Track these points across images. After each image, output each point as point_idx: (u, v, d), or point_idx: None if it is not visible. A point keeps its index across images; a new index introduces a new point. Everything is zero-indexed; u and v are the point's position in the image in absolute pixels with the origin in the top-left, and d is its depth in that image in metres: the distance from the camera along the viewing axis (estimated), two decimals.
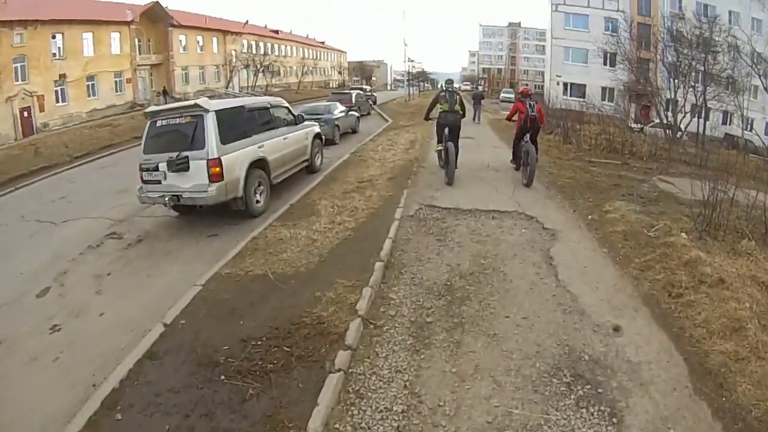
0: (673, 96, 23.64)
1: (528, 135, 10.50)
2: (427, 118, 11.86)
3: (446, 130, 10.48)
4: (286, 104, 11.57)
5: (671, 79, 23.13)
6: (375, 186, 10.62)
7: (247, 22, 63.81)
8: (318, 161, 13.15)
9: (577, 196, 9.45)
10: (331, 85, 75.54)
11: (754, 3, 32.42)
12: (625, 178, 11.35)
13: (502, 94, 60.52)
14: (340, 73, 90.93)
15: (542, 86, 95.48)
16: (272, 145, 10.11)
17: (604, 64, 40.80)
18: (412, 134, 18.85)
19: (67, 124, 33.37)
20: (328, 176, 12.22)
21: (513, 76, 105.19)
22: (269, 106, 10.68)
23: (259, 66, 51.20)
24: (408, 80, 53.42)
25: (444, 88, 10.94)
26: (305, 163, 12.24)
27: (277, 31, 71.65)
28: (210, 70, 51.92)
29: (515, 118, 11.01)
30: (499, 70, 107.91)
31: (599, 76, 40.58)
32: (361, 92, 33.56)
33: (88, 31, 37.04)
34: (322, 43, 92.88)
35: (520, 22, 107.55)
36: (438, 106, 10.57)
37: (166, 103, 36.86)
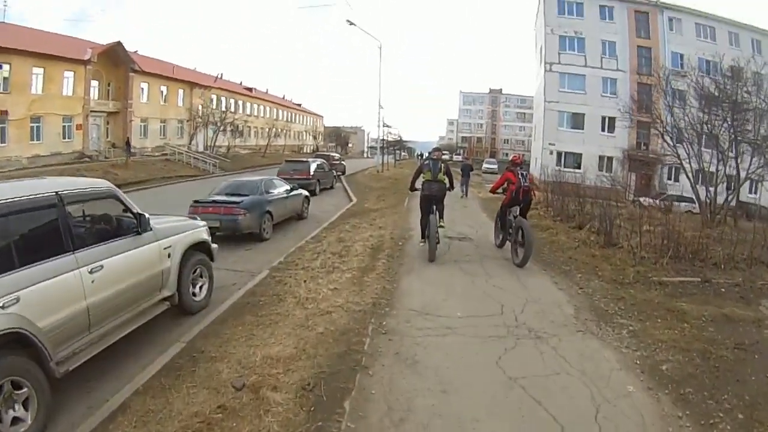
0: (698, 164, 19.90)
1: (518, 208, 9.71)
2: (412, 189, 10.82)
3: (430, 202, 9.70)
4: (115, 192, 6.00)
5: (717, 150, 19.17)
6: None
7: (221, 75, 61.34)
8: (201, 298, 7.28)
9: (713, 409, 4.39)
10: (305, 150, 72.83)
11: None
12: (736, 321, 6.49)
13: (485, 165, 57.97)
14: (315, 137, 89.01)
15: (523, 155, 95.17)
16: (44, 295, 4.49)
17: (602, 130, 38.76)
18: (378, 229, 12.91)
19: (2, 168, 29.09)
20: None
21: (494, 144, 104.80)
22: (57, 203, 4.90)
23: (219, 124, 47.56)
24: (382, 147, 47.36)
25: (428, 156, 10.71)
26: (161, 306, 6.41)
27: (250, 89, 69.15)
28: (172, 124, 48.21)
29: (502, 189, 10.23)
30: (479, 139, 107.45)
31: (596, 143, 38.50)
32: (325, 161, 29.47)
33: (40, 65, 33.34)
34: (299, 105, 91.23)
35: (501, 89, 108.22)
36: (422, 175, 9.89)
37: (128, 158, 34.43)
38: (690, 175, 20.21)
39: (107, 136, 40.80)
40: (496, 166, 48.94)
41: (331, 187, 26.72)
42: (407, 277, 8.38)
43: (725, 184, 19.12)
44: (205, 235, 7.55)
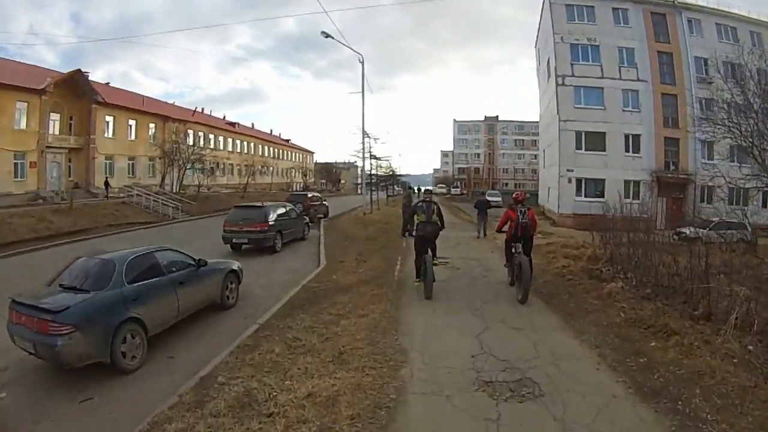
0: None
1: (519, 245, 10.03)
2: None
3: (424, 242, 10.31)
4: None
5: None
6: None
7: (201, 109, 58.15)
8: None
9: None
10: (294, 188, 68.37)
11: None
12: None
13: (480, 197, 52.69)
14: (305, 174, 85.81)
15: (526, 193, 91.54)
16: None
17: (626, 150, 34.17)
18: (336, 360, 6.61)
19: None
20: None
21: (492, 174, 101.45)
22: None
23: (186, 161, 42.68)
24: (369, 183, 41.19)
25: (421, 199, 11.03)
26: None
27: (233, 124, 65.81)
28: (142, 162, 44.11)
29: (506, 228, 10.39)
30: (477, 169, 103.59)
31: (620, 166, 33.69)
32: (294, 206, 24.54)
33: None
34: (287, 141, 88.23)
35: (497, 116, 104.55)
36: (416, 216, 10.43)
37: (107, 197, 33.36)
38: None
39: (69, 175, 37.18)
40: (499, 199, 44.44)
41: (302, 238, 21.23)
42: None
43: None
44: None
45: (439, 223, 10.38)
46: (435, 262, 10.36)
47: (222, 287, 10.27)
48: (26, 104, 32.62)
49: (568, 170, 34.51)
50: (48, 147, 34.45)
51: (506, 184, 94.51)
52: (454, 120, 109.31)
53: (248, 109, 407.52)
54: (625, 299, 8.97)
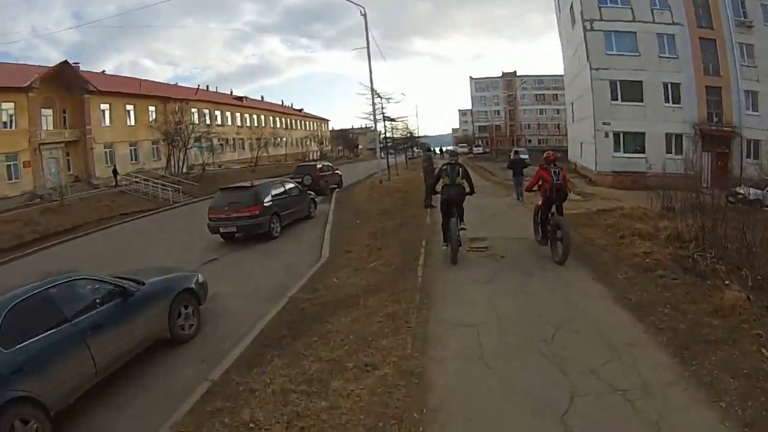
0: None
1: (554, 206, 9.44)
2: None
3: (450, 206, 9.68)
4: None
5: None
6: None
7: (206, 87, 55.55)
8: None
9: None
10: (310, 157, 66.55)
11: None
12: None
13: (513, 156, 48.63)
14: (320, 142, 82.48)
15: (544, 142, 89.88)
16: None
17: (666, 101, 30.32)
18: None
19: None
20: None
21: (513, 131, 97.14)
22: None
23: (186, 140, 40.40)
24: (384, 147, 36.58)
25: (446, 161, 10.29)
26: None
27: (241, 98, 62.78)
28: (145, 146, 42.00)
29: (536, 186, 9.79)
30: (498, 127, 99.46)
31: (661, 118, 29.91)
32: (305, 178, 23.19)
33: None
34: (300, 111, 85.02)
35: (515, 71, 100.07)
36: (441, 180, 9.84)
37: (116, 185, 32.61)
38: None
39: (69, 169, 35.79)
40: (527, 156, 41.26)
41: (308, 217, 18.06)
42: None
43: None
44: None
45: (465, 185, 9.74)
46: (462, 227, 9.88)
47: (170, 317, 7.28)
48: (12, 104, 31.19)
49: (604, 123, 31.00)
50: (42, 144, 33.00)
51: (529, 141, 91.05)
52: (471, 78, 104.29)
53: (261, 84, 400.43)
54: (757, 320, 5.74)
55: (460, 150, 70.58)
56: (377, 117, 31.32)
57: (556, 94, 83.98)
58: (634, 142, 30.58)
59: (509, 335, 5.93)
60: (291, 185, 17.47)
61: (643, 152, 29.42)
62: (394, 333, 6.18)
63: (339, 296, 8.25)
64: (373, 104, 29.55)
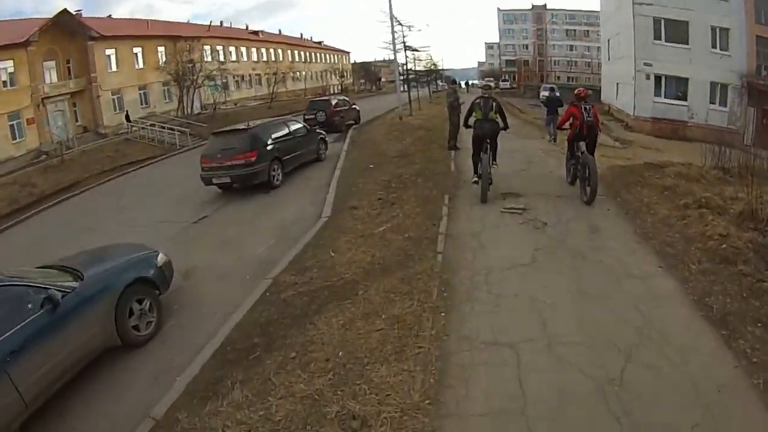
0: None
1: (584, 144, 8.98)
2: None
3: (482, 142, 9.35)
4: None
5: None
6: None
7: (220, 23, 53.30)
8: None
9: None
10: (332, 91, 63.31)
11: None
12: None
13: (542, 93, 44.43)
14: (341, 75, 78.84)
15: (574, 79, 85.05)
16: None
17: (713, 46, 26.86)
18: None
19: None
20: None
21: (542, 67, 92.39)
22: None
23: (195, 78, 38.13)
24: (405, 79, 33.56)
25: (479, 96, 9.79)
26: None
27: (257, 32, 59.93)
28: (156, 89, 39.88)
29: (568, 124, 9.42)
30: (526, 62, 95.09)
31: (706, 63, 26.60)
32: (318, 114, 22.17)
33: None
34: (319, 43, 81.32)
35: (545, 4, 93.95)
36: (473, 114, 9.49)
37: (129, 131, 31.19)
38: None
39: (77, 120, 34.33)
40: (559, 93, 38.50)
41: (317, 159, 15.99)
42: None
43: None
44: None
45: (498, 120, 9.49)
46: (494, 164, 9.46)
47: (119, 318, 5.64)
48: (11, 61, 29.61)
49: (645, 64, 28.10)
50: (46, 98, 31.54)
51: (558, 77, 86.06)
52: (499, 9, 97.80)
53: (280, 19, 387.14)
54: None
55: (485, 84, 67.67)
56: (398, 47, 28.38)
57: (588, 31, 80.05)
58: (676, 87, 27.69)
59: (564, 370, 4.09)
60: (297, 125, 15.33)
61: (686, 100, 26.85)
62: (398, 355, 4.36)
63: (333, 281, 6.37)
64: (393, 32, 26.56)
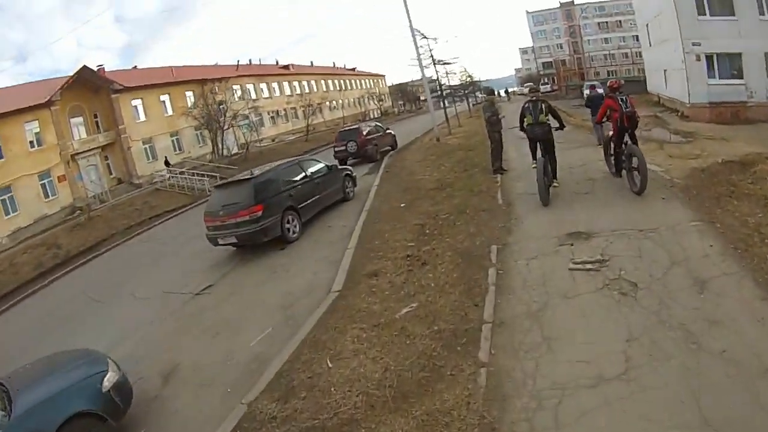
0: None
1: (626, 135, 8.90)
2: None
3: (537, 145, 9.50)
4: None
5: None
6: None
7: (249, 61, 53.44)
8: None
9: None
10: (371, 116, 64.02)
11: None
12: None
13: (586, 91, 42.12)
14: (380, 100, 78.49)
15: (614, 73, 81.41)
16: None
17: (761, 13, 23.45)
18: None
19: None
20: None
21: (580, 64, 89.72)
22: None
23: (223, 119, 37.32)
24: (438, 96, 32.52)
25: (527, 100, 9.89)
26: None
27: (287, 66, 59.61)
28: (188, 134, 39.61)
29: (605, 117, 9.36)
30: (563, 61, 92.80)
31: (758, 34, 23.40)
32: (349, 145, 20.95)
33: None
34: (353, 70, 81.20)
35: (572, 0, 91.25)
36: (525, 119, 9.57)
37: (169, 178, 30.32)
38: None
39: (111, 173, 34.60)
40: (602, 90, 35.72)
41: (344, 199, 13.98)
42: None
43: None
44: None
45: (550, 122, 9.44)
46: (555, 184, 9.53)
47: None
48: (36, 122, 29.93)
49: (693, 44, 25.06)
50: (76, 154, 31.78)
51: (598, 73, 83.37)
52: (527, 12, 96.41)
53: (310, 47, 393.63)
54: None
55: (524, 91, 65.80)
56: (426, 62, 26.68)
57: (620, 21, 78.51)
58: (730, 65, 24.58)
59: None
60: (316, 166, 13.25)
61: (741, 78, 23.73)
62: None
63: (322, 417, 4.31)
64: (416, 45, 24.50)
